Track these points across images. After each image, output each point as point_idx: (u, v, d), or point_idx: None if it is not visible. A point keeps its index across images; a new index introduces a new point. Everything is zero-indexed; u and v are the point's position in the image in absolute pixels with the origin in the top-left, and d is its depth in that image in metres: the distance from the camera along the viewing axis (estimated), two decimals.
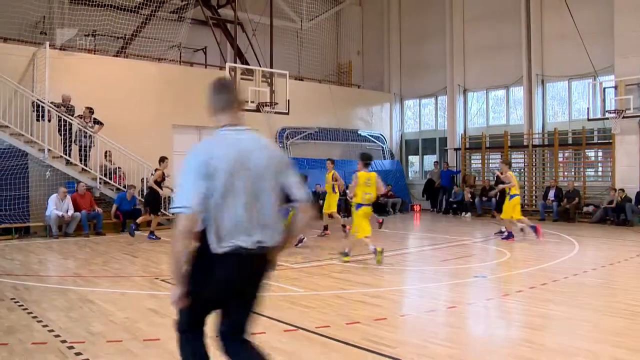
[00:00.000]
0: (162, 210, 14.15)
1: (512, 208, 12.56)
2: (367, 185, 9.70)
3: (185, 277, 3.06)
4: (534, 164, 19.99)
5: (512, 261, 10.20)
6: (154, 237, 13.02)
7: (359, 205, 9.72)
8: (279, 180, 3.24)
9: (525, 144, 19.94)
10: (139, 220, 13.50)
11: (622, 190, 16.63)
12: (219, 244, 3.04)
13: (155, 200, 13.49)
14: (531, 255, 11.09)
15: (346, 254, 9.95)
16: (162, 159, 13.60)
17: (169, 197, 14.60)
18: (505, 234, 13.04)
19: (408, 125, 24.70)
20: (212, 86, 3.40)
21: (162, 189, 13.47)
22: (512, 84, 20.57)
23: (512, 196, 12.57)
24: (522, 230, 13.16)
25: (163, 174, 13.53)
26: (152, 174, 13.93)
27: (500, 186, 13.32)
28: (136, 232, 13.58)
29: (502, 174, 13.08)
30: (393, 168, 22.74)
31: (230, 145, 3.14)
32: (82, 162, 14.65)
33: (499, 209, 13.49)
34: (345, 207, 16.27)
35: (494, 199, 15.12)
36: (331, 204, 13.50)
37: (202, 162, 3.05)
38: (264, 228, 3.13)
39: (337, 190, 13.57)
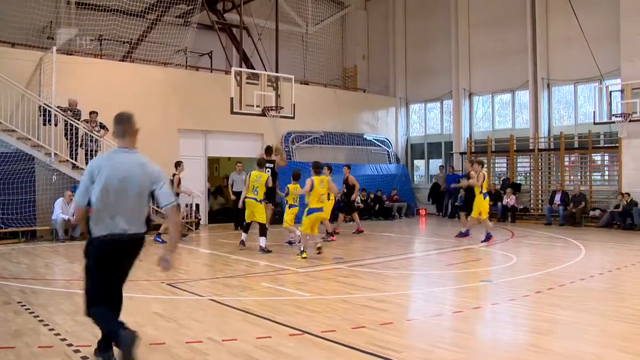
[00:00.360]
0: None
1: (484, 207, 13.06)
2: (321, 187, 10.72)
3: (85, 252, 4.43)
4: (540, 168, 19.93)
5: (518, 265, 10.16)
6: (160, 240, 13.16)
7: (312, 211, 10.67)
8: (151, 189, 4.45)
9: (531, 147, 19.90)
10: (162, 230, 13.51)
11: (629, 194, 16.56)
12: (98, 230, 4.31)
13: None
14: (537, 259, 11.06)
15: (302, 251, 10.71)
16: (178, 164, 13.93)
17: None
18: (464, 232, 13.66)
19: (413, 129, 24.68)
20: (114, 118, 4.59)
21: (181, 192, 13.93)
22: (518, 88, 20.53)
23: (485, 195, 13.17)
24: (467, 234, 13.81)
25: (179, 178, 13.71)
26: (171, 180, 13.88)
27: (466, 182, 13.61)
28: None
29: (475, 172, 13.25)
30: (398, 172, 22.73)
31: (116, 162, 4.40)
32: None
33: (465, 208, 13.81)
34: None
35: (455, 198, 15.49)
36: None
37: (91, 169, 4.36)
38: (131, 220, 4.34)
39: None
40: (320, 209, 10.73)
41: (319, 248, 10.95)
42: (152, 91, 16.97)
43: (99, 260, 4.37)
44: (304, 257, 10.50)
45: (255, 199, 11.58)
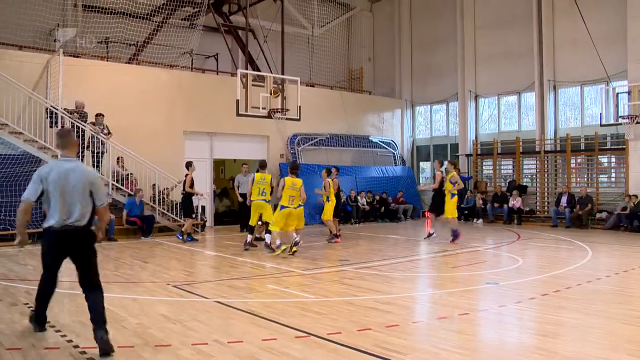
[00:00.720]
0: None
1: (454, 206, 13.46)
2: (292, 189, 11.13)
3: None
4: (546, 170, 19.86)
5: (524, 268, 10.12)
6: (190, 239, 13.64)
7: (283, 207, 11.16)
8: (89, 190, 5.32)
9: (537, 149, 19.83)
10: (184, 229, 13.83)
11: (636, 196, 16.48)
12: (46, 222, 5.30)
13: (188, 204, 14.07)
14: (544, 262, 11.02)
15: (276, 248, 11.33)
16: (189, 164, 14.08)
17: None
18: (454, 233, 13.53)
19: (419, 131, 24.66)
20: (56, 133, 5.83)
21: (195, 193, 14.15)
22: (524, 90, 20.48)
23: (453, 195, 13.49)
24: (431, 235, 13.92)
25: (192, 178, 13.88)
26: (184, 181, 14.15)
27: (430, 187, 14.24)
28: (149, 238, 14.35)
29: (446, 172, 13.62)
30: (404, 174, 22.70)
31: (58, 167, 5.35)
32: (95, 168, 14.75)
33: (435, 210, 14.04)
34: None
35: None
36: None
37: (40, 174, 5.31)
38: (70, 215, 5.23)
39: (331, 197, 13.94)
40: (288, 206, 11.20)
41: (291, 248, 11.25)
42: (158, 93, 17.02)
43: (49, 246, 5.40)
44: (283, 250, 11.11)
45: (264, 200, 11.81)
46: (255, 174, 12.10)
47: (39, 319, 5.76)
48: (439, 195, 13.86)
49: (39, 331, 5.70)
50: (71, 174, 5.29)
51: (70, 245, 5.35)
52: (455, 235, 13.46)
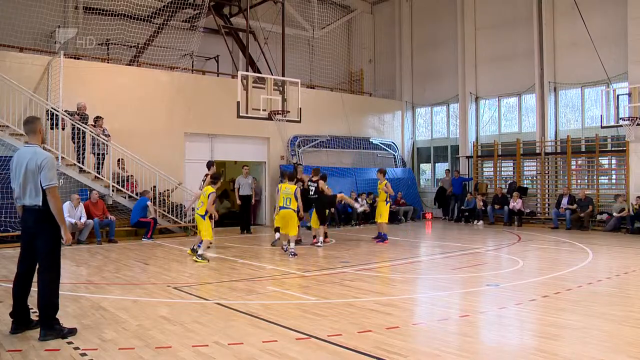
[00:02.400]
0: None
1: (385, 211, 14.05)
2: (283, 193, 11.74)
3: None
4: (546, 172, 19.86)
5: (525, 269, 10.12)
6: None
7: (278, 209, 11.94)
8: (38, 173, 5.65)
9: (537, 151, 19.84)
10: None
11: None
12: (16, 202, 5.86)
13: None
14: (544, 263, 11.01)
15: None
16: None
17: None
18: (382, 236, 14.18)
19: (420, 133, 24.66)
20: (23, 121, 6.13)
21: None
22: (525, 92, 20.49)
23: (387, 201, 14.08)
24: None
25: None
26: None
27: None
28: (150, 240, 14.36)
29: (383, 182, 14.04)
30: (405, 176, 22.70)
31: (20, 153, 5.84)
32: (99, 170, 14.77)
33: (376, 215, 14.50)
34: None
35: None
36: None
37: (13, 160, 5.86)
38: (24, 196, 5.67)
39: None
40: (282, 208, 11.71)
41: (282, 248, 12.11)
42: (159, 95, 17.04)
43: (20, 224, 6.06)
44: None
45: (293, 209, 11.79)
46: (281, 184, 12.18)
47: (11, 314, 5.81)
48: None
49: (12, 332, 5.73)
50: (27, 158, 5.68)
51: (26, 224, 5.76)
52: (383, 238, 14.08)
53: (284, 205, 11.73)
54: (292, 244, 11.63)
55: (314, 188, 13.51)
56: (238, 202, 16.47)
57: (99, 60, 16.58)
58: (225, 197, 20.95)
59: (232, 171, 21.59)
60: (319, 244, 13.19)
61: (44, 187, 5.62)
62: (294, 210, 11.73)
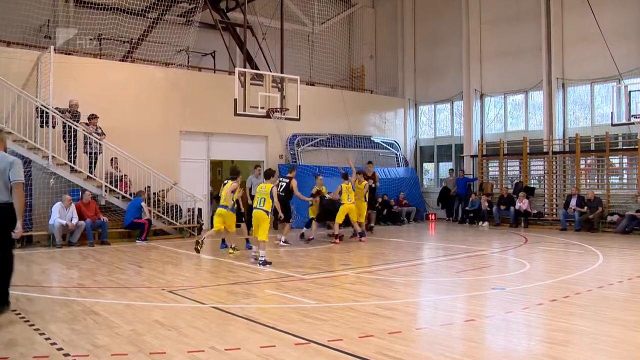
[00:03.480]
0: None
1: (343, 213, 14.53)
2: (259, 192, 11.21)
3: None
4: (554, 172, 19.84)
5: (532, 272, 10.10)
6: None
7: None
8: (7, 172, 6.60)
9: (545, 150, 19.81)
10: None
11: None
12: None
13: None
14: (552, 266, 11.00)
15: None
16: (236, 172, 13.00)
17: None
18: (337, 235, 14.54)
19: (423, 131, 24.65)
20: None
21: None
22: (532, 88, 20.47)
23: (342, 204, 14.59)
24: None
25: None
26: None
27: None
28: (144, 241, 14.38)
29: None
30: (407, 176, 22.68)
31: None
32: (92, 170, 14.74)
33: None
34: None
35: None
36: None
37: None
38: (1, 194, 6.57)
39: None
40: (255, 208, 11.10)
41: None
42: (153, 92, 17.02)
43: None
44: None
45: (266, 211, 11.70)
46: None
47: None
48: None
49: None
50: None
51: None
52: (337, 237, 14.46)
53: (257, 206, 10.96)
54: (262, 252, 10.70)
55: (284, 184, 13.62)
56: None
57: (91, 56, 16.54)
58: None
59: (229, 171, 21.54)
60: (282, 242, 13.50)
61: (12, 182, 6.58)
62: (267, 213, 10.92)
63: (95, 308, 7.09)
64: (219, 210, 12.26)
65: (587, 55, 18.73)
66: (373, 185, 16.85)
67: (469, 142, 22.14)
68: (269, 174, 11.76)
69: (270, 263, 10.63)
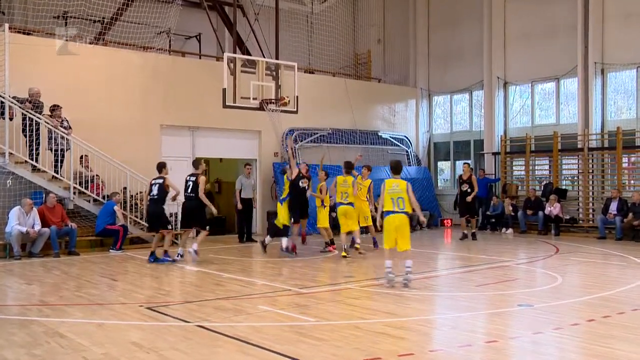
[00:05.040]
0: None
1: (325, 217, 14.54)
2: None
3: None
4: (590, 171, 19.79)
5: (565, 287, 10.09)
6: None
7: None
8: None
9: (579, 146, 19.75)
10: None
11: None
12: None
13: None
14: (589, 280, 10.96)
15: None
16: (199, 162, 13.52)
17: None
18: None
19: (437, 125, 24.72)
20: None
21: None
22: (564, 75, 20.43)
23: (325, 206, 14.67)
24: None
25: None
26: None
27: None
28: (119, 251, 14.40)
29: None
30: (420, 176, 22.68)
31: None
32: (58, 168, 14.65)
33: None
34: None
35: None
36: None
37: None
38: None
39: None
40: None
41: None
42: (130, 80, 17.01)
43: None
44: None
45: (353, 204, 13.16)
46: (338, 177, 13.68)
47: None
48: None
49: None
50: None
51: None
52: (329, 245, 14.44)
53: (394, 209, 10.01)
54: (409, 262, 10.14)
55: (191, 184, 13.13)
56: (239, 205, 16.44)
57: (55, 37, 16.32)
58: (210, 199, 20.87)
59: (218, 170, 21.57)
60: (191, 250, 12.72)
61: None
62: (407, 215, 10.05)
63: (61, 329, 7.05)
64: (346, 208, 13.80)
65: (632, 36, 18.58)
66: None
67: (490, 138, 22.14)
68: (397, 168, 10.41)
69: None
